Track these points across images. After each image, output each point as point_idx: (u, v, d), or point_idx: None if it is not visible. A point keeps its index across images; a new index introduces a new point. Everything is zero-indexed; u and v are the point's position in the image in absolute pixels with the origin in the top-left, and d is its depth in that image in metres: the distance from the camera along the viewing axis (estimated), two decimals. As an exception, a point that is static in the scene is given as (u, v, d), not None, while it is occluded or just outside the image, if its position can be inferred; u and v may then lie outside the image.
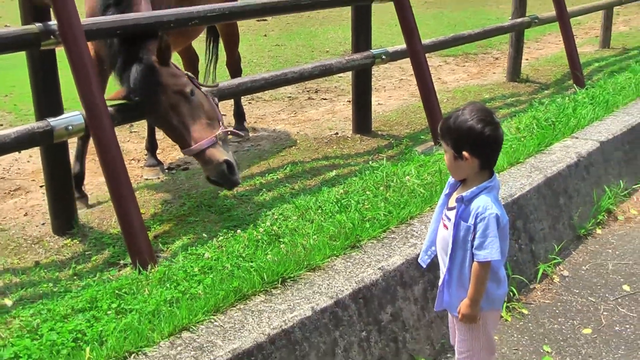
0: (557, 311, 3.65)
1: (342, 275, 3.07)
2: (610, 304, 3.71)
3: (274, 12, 5.58)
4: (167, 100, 3.98)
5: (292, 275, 3.03)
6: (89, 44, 3.81)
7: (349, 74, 6.57)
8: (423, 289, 3.28)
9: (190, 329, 2.64)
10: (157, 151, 5.39)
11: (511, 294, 3.67)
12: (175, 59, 4.22)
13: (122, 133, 6.13)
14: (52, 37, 3.65)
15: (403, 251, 3.30)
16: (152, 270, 3.26)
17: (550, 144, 4.84)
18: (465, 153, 2.48)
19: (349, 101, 6.80)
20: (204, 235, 3.90)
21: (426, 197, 3.86)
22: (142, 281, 3.11)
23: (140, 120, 4.48)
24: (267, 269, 3.00)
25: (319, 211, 3.86)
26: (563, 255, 4.18)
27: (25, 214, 4.49)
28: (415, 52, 5.53)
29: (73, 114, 3.78)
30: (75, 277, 3.54)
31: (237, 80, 4.93)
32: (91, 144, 4.25)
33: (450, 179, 2.67)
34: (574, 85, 7.25)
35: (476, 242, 2.49)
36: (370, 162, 5.01)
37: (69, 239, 4.05)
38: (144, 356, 2.50)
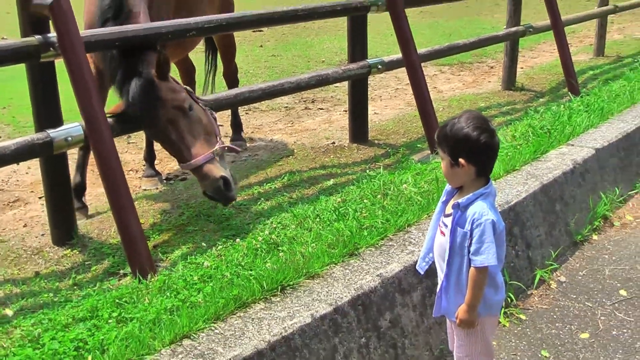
0: (554, 316, 3.68)
1: (340, 282, 3.10)
2: (608, 309, 3.74)
3: (270, 22, 5.62)
4: (166, 115, 4.01)
5: (291, 283, 3.05)
6: (88, 55, 3.85)
7: (345, 83, 6.62)
8: (421, 295, 3.30)
9: (191, 337, 2.66)
10: (155, 162, 5.42)
11: (509, 299, 3.70)
12: (172, 69, 4.25)
13: (120, 144, 6.16)
14: (51, 49, 3.68)
15: (401, 258, 3.33)
16: (152, 279, 3.28)
17: (546, 151, 4.87)
18: (461, 160, 2.52)
19: (345, 111, 6.85)
20: (203, 244, 3.93)
21: (423, 204, 3.89)
22: (142, 290, 3.13)
23: (139, 131, 4.52)
24: (266, 277, 3.03)
25: (317, 220, 3.89)
26: (560, 261, 4.21)
27: (25, 225, 4.52)
28: (411, 62, 5.58)
29: (72, 125, 3.81)
30: (75, 287, 3.56)
31: (234, 91, 4.96)
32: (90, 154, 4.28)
33: (448, 187, 2.70)
34: (569, 93, 7.30)
35: (473, 248, 2.52)
36: (367, 171, 5.05)
37: (69, 250, 4.07)
38: (145, 364, 2.52)
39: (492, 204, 2.58)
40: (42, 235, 4.30)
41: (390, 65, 5.94)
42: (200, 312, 2.78)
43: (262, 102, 7.10)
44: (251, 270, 3.18)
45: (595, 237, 4.58)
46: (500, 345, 3.41)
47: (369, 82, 6.40)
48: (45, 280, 3.67)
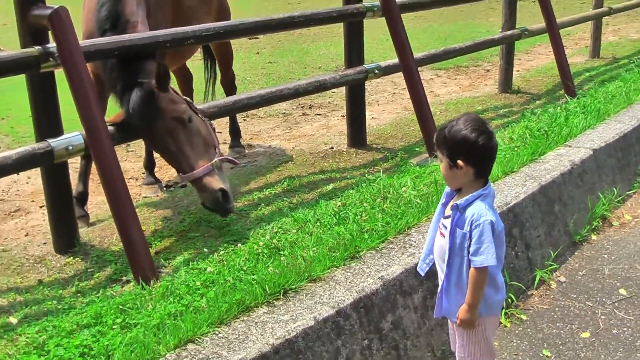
0: (555, 316, 3.71)
1: (342, 285, 3.12)
2: (608, 308, 3.77)
3: (267, 29, 5.66)
4: (165, 126, 4.04)
5: (293, 286, 3.07)
6: (88, 65, 3.88)
7: (342, 89, 6.65)
8: (422, 297, 3.33)
9: (196, 341, 2.68)
10: (155, 169, 5.45)
11: (509, 300, 3.72)
12: (171, 78, 4.28)
13: (119, 152, 6.17)
14: (51, 59, 3.71)
15: (402, 260, 3.35)
16: (155, 285, 3.30)
17: (543, 153, 4.90)
18: (460, 162, 2.55)
19: (343, 116, 6.88)
20: (205, 250, 3.95)
21: (423, 207, 3.92)
22: (146, 296, 3.15)
23: (138, 139, 4.54)
24: (268, 281, 3.05)
25: (318, 224, 3.91)
26: (559, 262, 4.23)
27: (27, 234, 4.54)
28: (408, 66, 5.62)
29: (73, 135, 3.84)
30: (78, 294, 3.58)
31: (233, 98, 4.99)
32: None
33: (447, 189, 2.73)
34: (565, 95, 7.34)
35: (472, 249, 2.55)
36: (366, 175, 5.07)
37: (71, 257, 4.09)
38: (150, 369, 2.54)
39: (490, 205, 2.61)
40: (44, 243, 4.32)
41: (387, 70, 5.98)
42: (204, 317, 2.80)
43: (260, 108, 7.14)
44: (253, 274, 3.20)
45: (594, 237, 4.61)
46: (502, 346, 3.43)
47: (366, 87, 6.43)
48: (49, 288, 3.69)
